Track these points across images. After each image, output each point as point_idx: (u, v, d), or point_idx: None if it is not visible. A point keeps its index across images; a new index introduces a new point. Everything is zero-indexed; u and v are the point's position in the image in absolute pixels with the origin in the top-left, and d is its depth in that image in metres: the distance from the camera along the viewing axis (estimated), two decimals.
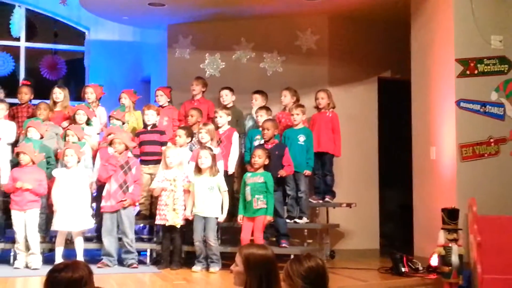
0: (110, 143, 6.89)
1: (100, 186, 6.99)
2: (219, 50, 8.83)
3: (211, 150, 6.78)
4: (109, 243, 6.78)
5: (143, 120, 7.63)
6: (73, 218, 6.66)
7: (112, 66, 10.12)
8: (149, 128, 7.54)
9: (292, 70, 8.65)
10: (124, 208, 6.77)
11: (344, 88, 8.62)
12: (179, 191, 6.82)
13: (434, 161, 7.17)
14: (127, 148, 6.92)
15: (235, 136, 7.44)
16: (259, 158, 6.67)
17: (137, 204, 7.11)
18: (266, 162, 6.69)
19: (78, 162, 6.84)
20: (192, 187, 6.74)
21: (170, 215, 6.77)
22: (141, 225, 7.83)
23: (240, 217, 6.69)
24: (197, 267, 6.67)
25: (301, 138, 7.40)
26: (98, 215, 6.96)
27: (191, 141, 7.33)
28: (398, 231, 8.82)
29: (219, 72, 8.82)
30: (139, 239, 7.49)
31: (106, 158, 6.88)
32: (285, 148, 7.11)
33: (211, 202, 6.69)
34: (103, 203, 6.81)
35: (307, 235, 7.38)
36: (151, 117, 7.53)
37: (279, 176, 6.92)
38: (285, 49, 8.72)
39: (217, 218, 6.71)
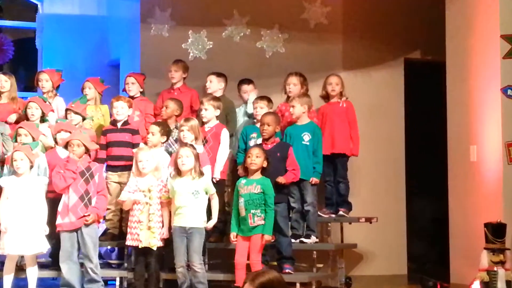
0: (66, 145, 6.85)
1: (52, 200, 6.93)
2: (205, 26, 8.80)
3: (194, 148, 6.75)
4: (69, 270, 6.74)
5: (111, 115, 7.60)
6: (26, 238, 6.61)
7: (72, 47, 10.05)
8: (119, 125, 7.51)
9: (297, 51, 8.63)
10: (87, 225, 6.73)
11: (362, 73, 8.61)
12: (155, 204, 6.80)
13: (475, 163, 7.17)
14: (87, 151, 6.90)
15: (225, 134, 7.39)
16: (257, 157, 6.65)
17: (102, 220, 7.09)
18: (265, 164, 6.67)
19: (31, 167, 6.80)
20: (171, 193, 6.72)
21: (144, 234, 6.75)
22: (109, 247, 7.81)
23: (233, 235, 6.67)
24: None
25: (306, 137, 7.38)
26: (52, 235, 6.91)
27: (166, 140, 7.30)
28: (430, 252, 8.82)
29: (205, 54, 8.80)
30: (106, 265, 7.47)
31: (62, 164, 6.85)
32: (289, 148, 7.11)
33: (196, 210, 6.64)
34: (59, 220, 6.78)
35: (316, 258, 7.36)
36: (121, 110, 7.49)
37: (279, 183, 6.89)
38: (288, 24, 8.71)
39: (205, 227, 6.68)
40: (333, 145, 7.66)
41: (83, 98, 7.79)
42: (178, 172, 6.70)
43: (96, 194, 6.83)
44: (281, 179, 6.92)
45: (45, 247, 6.77)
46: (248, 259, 6.62)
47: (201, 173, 6.70)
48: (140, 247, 6.76)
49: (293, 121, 7.56)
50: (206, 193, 6.72)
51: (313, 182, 7.35)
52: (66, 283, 6.75)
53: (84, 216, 6.72)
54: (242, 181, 6.72)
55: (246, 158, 6.73)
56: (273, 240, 6.86)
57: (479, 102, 7.15)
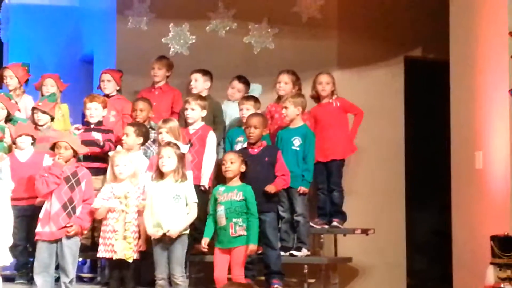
0: (53, 147, 6.84)
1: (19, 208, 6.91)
2: (187, 19, 8.83)
3: (177, 147, 6.76)
4: (44, 283, 6.72)
5: (86, 117, 7.58)
6: None
7: (41, 41, 10.06)
8: (92, 126, 7.53)
9: (288, 47, 8.68)
10: (68, 237, 6.71)
11: (358, 71, 8.66)
12: (132, 213, 6.81)
13: (480, 171, 7.19)
14: (75, 155, 6.89)
15: (211, 137, 7.41)
16: (232, 163, 6.68)
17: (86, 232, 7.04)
18: (243, 169, 6.70)
19: None
20: (148, 197, 6.72)
21: (119, 245, 6.74)
22: (80, 259, 7.78)
23: (205, 241, 6.66)
24: None
25: (296, 142, 7.37)
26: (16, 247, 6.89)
27: (144, 142, 7.31)
28: (432, 267, 8.85)
29: (187, 49, 8.83)
30: (77, 279, 7.41)
31: (47, 167, 6.81)
32: (277, 152, 7.13)
33: (176, 216, 6.64)
34: (38, 228, 6.77)
35: (308, 273, 7.38)
36: (95, 112, 7.52)
37: (267, 192, 6.92)
38: (278, 18, 8.75)
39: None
40: (328, 152, 7.68)
41: (51, 96, 7.77)
42: (160, 174, 6.71)
43: (81, 202, 6.81)
44: (270, 188, 6.93)
45: (7, 259, 6.73)
46: (229, 273, 6.63)
47: (184, 176, 6.70)
48: (114, 258, 6.75)
49: (284, 124, 7.55)
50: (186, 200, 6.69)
51: (301, 192, 7.33)
52: None
53: (66, 226, 6.70)
54: (221, 188, 6.74)
55: (222, 164, 6.76)
56: (259, 252, 6.90)
57: (485, 104, 7.17)
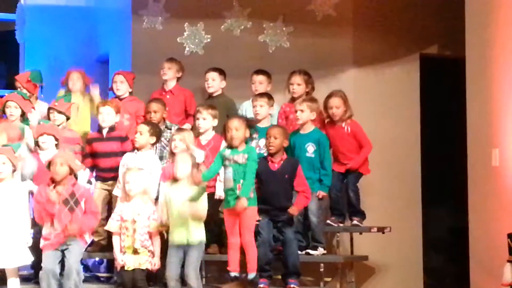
0: (49, 165, 6.72)
1: None
2: (202, 18, 8.83)
3: (192, 156, 6.78)
4: (48, 286, 6.65)
5: (99, 121, 7.56)
6: (7, 250, 6.60)
7: (57, 42, 10.09)
8: (104, 133, 7.47)
9: (303, 45, 8.68)
10: (68, 244, 6.61)
11: (373, 69, 8.65)
12: (143, 234, 6.75)
13: (496, 168, 7.16)
14: (71, 172, 6.75)
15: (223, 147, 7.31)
16: (237, 130, 6.70)
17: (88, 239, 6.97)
18: (247, 134, 6.76)
19: (14, 171, 6.78)
20: (167, 202, 6.70)
21: (130, 259, 6.75)
22: (96, 258, 7.82)
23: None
24: None
25: (310, 148, 7.28)
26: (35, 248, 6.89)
27: (156, 142, 7.27)
28: (449, 265, 8.82)
29: (202, 49, 8.83)
30: (94, 278, 7.49)
31: (39, 192, 6.68)
32: (297, 166, 7.00)
33: (193, 220, 6.65)
34: (42, 242, 6.72)
35: (324, 272, 7.38)
36: (108, 117, 7.44)
37: (290, 215, 6.88)
38: (293, 17, 8.75)
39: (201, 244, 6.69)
40: (342, 164, 7.63)
41: (67, 96, 7.78)
42: (174, 179, 6.73)
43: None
44: (293, 211, 6.87)
45: (28, 259, 6.76)
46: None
47: (199, 181, 6.66)
48: (126, 269, 6.74)
49: (297, 127, 7.48)
50: None
51: (320, 196, 7.32)
52: None
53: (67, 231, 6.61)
54: (227, 151, 6.78)
55: (226, 133, 6.78)
56: (276, 253, 6.88)
57: (502, 101, 7.13)
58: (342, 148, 7.65)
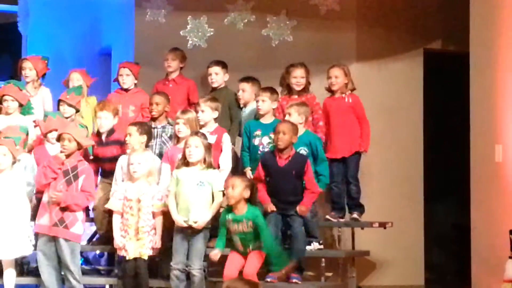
0: (58, 139, 6.82)
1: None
2: (206, 11, 8.81)
3: (205, 137, 6.74)
4: (49, 276, 6.72)
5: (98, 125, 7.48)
6: (6, 241, 6.63)
7: (59, 34, 10.08)
8: (103, 138, 7.38)
9: (306, 40, 8.65)
10: (66, 239, 6.60)
11: (377, 64, 8.62)
12: (146, 214, 6.74)
13: (500, 164, 7.16)
14: (80, 148, 6.83)
15: (226, 139, 7.28)
16: (233, 188, 6.48)
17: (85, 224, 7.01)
18: (247, 195, 6.55)
19: (14, 163, 6.80)
20: (174, 185, 6.67)
21: (131, 246, 6.72)
22: (97, 252, 7.81)
23: (216, 252, 6.58)
24: None
25: (302, 152, 7.11)
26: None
27: (147, 141, 7.20)
28: (450, 261, 8.80)
29: (205, 42, 8.81)
30: (94, 271, 7.49)
31: (47, 160, 6.83)
32: (306, 162, 6.92)
33: (199, 203, 6.64)
34: (37, 220, 6.75)
35: (325, 267, 7.36)
36: (105, 122, 7.34)
37: (299, 213, 6.83)
38: (296, 11, 8.72)
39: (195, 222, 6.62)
40: (337, 148, 7.61)
41: (78, 89, 7.76)
42: (185, 163, 6.68)
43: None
44: (302, 211, 6.82)
45: (28, 249, 6.77)
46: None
47: (211, 165, 6.67)
48: (127, 258, 6.72)
49: None
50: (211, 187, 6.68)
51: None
52: None
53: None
54: (229, 217, 6.58)
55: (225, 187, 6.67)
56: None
57: (506, 97, 7.13)
58: (338, 120, 7.60)
